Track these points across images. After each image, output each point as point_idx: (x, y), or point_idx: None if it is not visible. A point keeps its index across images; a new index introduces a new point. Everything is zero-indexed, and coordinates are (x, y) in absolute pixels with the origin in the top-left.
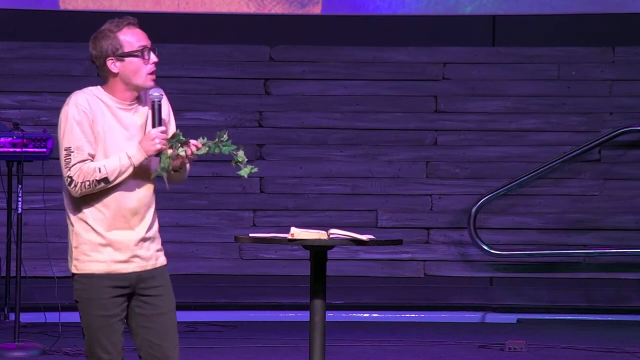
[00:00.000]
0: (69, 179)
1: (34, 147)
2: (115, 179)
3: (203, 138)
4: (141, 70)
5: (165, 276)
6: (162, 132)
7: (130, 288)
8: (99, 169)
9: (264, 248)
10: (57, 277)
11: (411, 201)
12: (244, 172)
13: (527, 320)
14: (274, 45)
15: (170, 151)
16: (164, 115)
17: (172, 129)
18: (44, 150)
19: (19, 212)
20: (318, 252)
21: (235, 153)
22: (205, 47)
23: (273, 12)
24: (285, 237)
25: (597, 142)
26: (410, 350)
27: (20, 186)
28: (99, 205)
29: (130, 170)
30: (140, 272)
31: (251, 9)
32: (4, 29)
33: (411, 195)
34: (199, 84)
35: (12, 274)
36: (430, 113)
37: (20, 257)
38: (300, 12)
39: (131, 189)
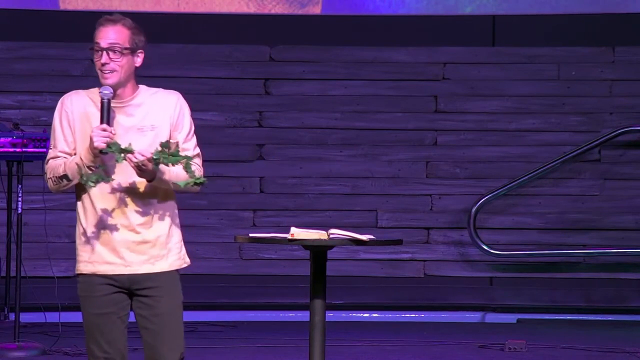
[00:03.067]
0: (45, 175)
1: (34, 147)
2: (74, 176)
3: (158, 148)
4: (98, 68)
5: (166, 279)
6: (102, 129)
7: (124, 288)
8: (61, 165)
9: (264, 248)
10: (57, 277)
11: (411, 201)
12: (181, 182)
13: (527, 320)
14: (274, 45)
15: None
16: (165, 116)
17: (183, 131)
18: (44, 150)
19: (19, 212)
20: (318, 252)
21: (181, 163)
22: (205, 47)
23: (273, 12)
24: (285, 237)
25: (597, 142)
26: (410, 350)
27: (20, 186)
28: (88, 206)
29: (84, 169)
30: (130, 274)
31: (251, 9)
32: (4, 29)
33: (411, 195)
34: (199, 84)
35: (12, 274)
36: (430, 113)
37: (20, 257)
38: (300, 12)
39: (117, 190)
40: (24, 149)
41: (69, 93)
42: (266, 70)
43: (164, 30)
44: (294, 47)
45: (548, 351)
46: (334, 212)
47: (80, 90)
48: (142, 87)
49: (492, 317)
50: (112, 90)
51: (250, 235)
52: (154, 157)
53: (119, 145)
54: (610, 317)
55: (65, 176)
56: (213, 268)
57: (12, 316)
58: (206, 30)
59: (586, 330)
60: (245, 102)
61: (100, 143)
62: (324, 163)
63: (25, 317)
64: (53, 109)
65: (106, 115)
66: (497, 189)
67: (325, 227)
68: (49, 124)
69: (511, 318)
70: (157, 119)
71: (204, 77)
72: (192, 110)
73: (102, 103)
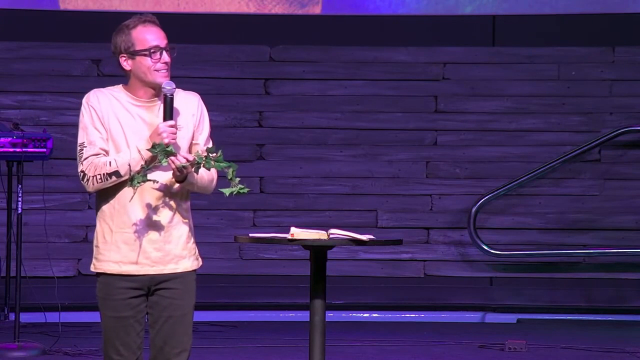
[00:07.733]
0: (81, 174)
1: (34, 147)
2: (127, 172)
3: (198, 152)
4: (151, 69)
5: (186, 282)
6: (171, 125)
7: (144, 290)
8: (110, 162)
9: (264, 248)
10: (57, 277)
11: (411, 201)
12: (227, 190)
13: (527, 320)
14: (274, 45)
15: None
16: (189, 116)
17: (204, 133)
18: (44, 150)
19: (19, 212)
20: (318, 252)
21: (226, 170)
22: (205, 47)
23: (273, 12)
24: (285, 237)
25: (597, 142)
26: (410, 350)
27: (20, 186)
28: (115, 204)
29: (142, 164)
30: (154, 274)
31: (251, 9)
32: (4, 29)
33: (411, 195)
34: (199, 84)
35: (12, 274)
36: (430, 113)
37: (20, 257)
38: (300, 12)
39: (143, 190)
40: (24, 149)
41: (92, 91)
42: (266, 70)
43: (164, 30)
44: (294, 47)
45: (548, 351)
46: (334, 212)
47: (102, 89)
48: None
49: (492, 317)
50: (174, 85)
51: (250, 235)
52: (198, 160)
53: (164, 146)
54: (610, 317)
55: (116, 172)
56: (213, 268)
57: (12, 316)
58: (206, 30)
59: (586, 330)
60: (245, 102)
61: (171, 139)
62: (324, 163)
63: (25, 317)
64: (53, 109)
65: (169, 111)
66: (497, 189)
67: (325, 227)
68: (49, 124)
69: (511, 318)
70: (183, 119)
71: (204, 77)
72: None
73: (165, 98)
